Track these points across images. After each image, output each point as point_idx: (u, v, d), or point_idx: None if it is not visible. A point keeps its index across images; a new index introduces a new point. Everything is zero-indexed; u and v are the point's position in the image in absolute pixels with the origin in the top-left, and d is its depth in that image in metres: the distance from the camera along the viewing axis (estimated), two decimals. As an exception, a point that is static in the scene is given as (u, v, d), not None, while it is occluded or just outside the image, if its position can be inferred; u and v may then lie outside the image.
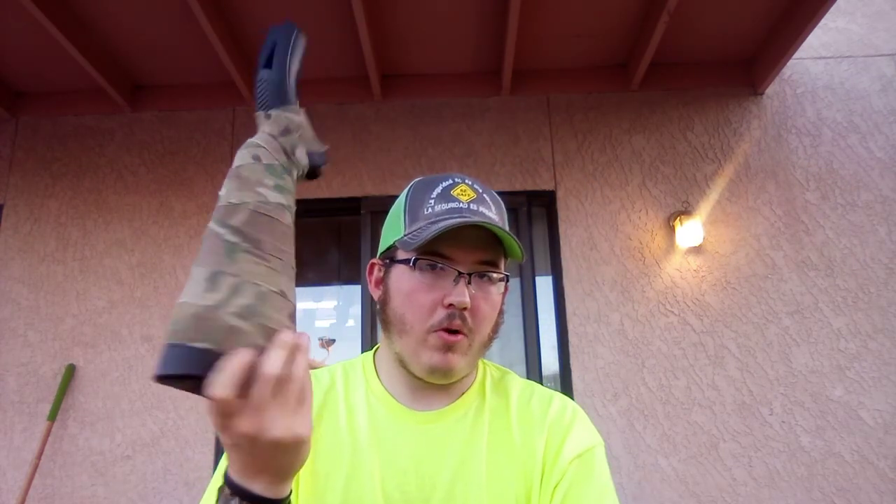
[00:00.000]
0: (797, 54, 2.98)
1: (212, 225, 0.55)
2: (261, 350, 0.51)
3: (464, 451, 0.80)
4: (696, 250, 2.92)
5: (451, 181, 0.81)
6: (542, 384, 0.90)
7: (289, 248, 0.58)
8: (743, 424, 2.74)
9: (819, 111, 3.13)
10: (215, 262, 0.52)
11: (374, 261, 0.86)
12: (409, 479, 0.77)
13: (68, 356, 2.86)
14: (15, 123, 3.18)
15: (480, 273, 0.78)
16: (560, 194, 3.02)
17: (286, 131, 0.59)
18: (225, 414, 0.50)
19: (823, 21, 2.80)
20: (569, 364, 2.81)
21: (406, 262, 0.78)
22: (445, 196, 0.79)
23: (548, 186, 3.04)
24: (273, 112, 0.59)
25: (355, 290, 3.14)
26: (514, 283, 3.01)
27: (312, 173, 0.63)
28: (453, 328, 0.76)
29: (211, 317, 0.50)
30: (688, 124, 3.11)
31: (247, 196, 0.55)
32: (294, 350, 0.53)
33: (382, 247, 0.85)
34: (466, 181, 0.82)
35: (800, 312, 2.86)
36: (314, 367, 0.79)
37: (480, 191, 0.81)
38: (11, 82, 3.12)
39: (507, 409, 0.84)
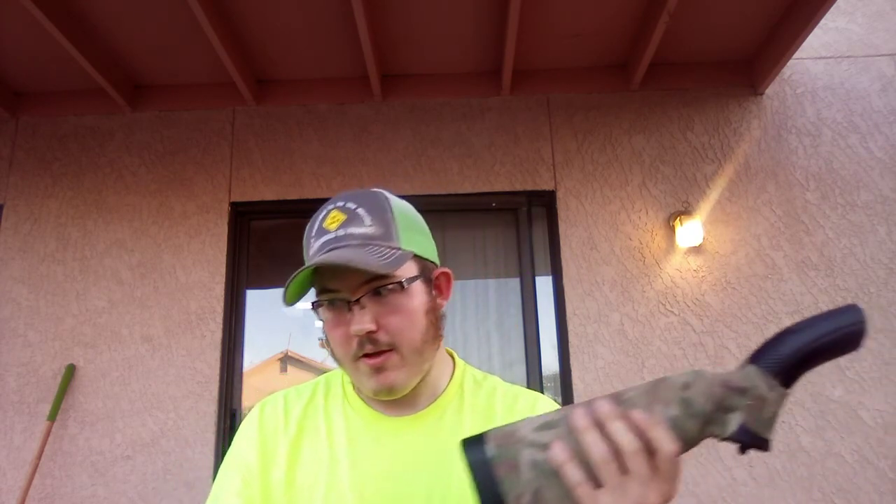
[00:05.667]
0: (797, 54, 2.98)
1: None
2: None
3: (442, 454, 0.79)
4: (696, 250, 2.92)
5: (325, 211, 0.80)
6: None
7: None
8: (743, 424, 2.74)
9: (819, 111, 3.12)
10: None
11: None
12: (386, 486, 0.77)
13: (68, 356, 2.86)
14: (15, 123, 3.18)
15: (374, 291, 0.76)
16: (560, 194, 3.02)
17: (742, 390, 0.53)
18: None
19: (823, 21, 2.80)
20: (569, 364, 2.81)
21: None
22: (320, 231, 0.79)
23: (548, 186, 3.04)
24: (751, 367, 0.53)
25: (355, 290, 3.14)
26: (514, 283, 3.02)
27: (743, 445, 0.54)
28: (369, 353, 0.76)
29: None
30: (688, 124, 3.11)
31: (657, 406, 0.54)
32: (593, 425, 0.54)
33: None
34: (338, 203, 0.79)
35: (800, 312, 2.86)
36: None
37: (354, 207, 0.78)
38: (11, 82, 3.12)
39: (490, 409, 0.84)
